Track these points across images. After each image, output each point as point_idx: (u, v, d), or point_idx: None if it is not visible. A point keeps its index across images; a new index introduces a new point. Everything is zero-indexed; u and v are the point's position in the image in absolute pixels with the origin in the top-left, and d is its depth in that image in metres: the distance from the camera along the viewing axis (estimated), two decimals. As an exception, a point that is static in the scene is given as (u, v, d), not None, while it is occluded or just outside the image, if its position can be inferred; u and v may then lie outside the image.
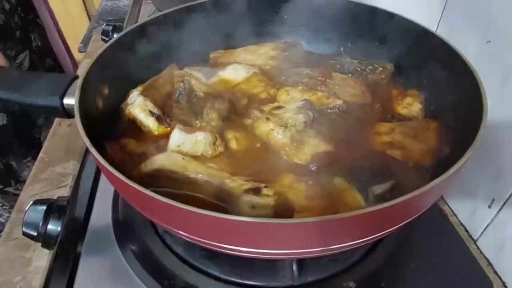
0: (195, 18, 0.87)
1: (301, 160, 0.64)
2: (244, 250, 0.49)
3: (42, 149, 0.99)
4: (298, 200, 0.57)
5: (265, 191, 0.55)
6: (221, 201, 0.58)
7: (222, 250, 0.51)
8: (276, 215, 0.54)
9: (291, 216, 0.55)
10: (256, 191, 0.55)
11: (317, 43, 0.93)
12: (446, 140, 0.64)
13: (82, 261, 0.69)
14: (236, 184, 0.57)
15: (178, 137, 0.65)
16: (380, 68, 0.82)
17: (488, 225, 0.73)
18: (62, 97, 0.65)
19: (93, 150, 0.51)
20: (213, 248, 0.51)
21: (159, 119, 0.71)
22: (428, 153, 0.64)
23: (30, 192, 0.88)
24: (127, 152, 0.65)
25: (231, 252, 0.50)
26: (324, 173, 0.61)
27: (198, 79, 0.80)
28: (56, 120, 1.08)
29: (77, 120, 0.56)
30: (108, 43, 0.72)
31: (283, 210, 0.55)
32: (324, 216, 0.42)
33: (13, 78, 0.71)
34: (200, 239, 0.50)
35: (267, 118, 0.68)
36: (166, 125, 0.70)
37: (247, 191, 0.55)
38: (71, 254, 0.70)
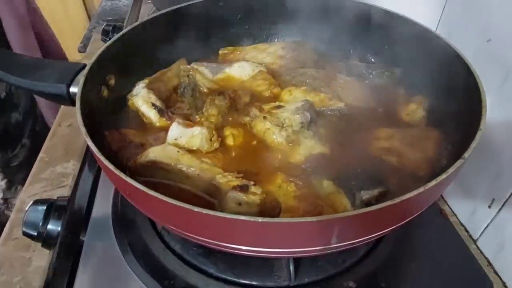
0: (203, 15, 0.87)
1: (295, 160, 0.64)
2: (239, 248, 0.49)
3: (42, 149, 0.99)
4: (286, 200, 0.58)
5: (252, 189, 0.56)
6: (210, 196, 0.59)
7: (218, 247, 0.51)
8: (262, 213, 0.54)
9: (277, 215, 0.55)
10: (244, 189, 0.55)
11: (326, 44, 0.93)
12: (445, 152, 0.64)
13: (82, 261, 0.69)
14: (225, 180, 0.58)
15: (175, 131, 0.66)
16: (387, 73, 0.81)
17: (488, 225, 0.73)
18: (69, 85, 0.65)
19: (87, 138, 0.52)
20: (208, 245, 0.52)
21: (160, 111, 0.72)
22: (425, 163, 0.63)
23: (30, 192, 0.88)
24: (126, 141, 0.66)
25: (228, 250, 0.51)
26: (316, 175, 0.61)
27: (204, 74, 0.81)
28: (56, 120, 1.08)
29: (77, 107, 0.57)
30: (118, 35, 0.73)
31: (269, 208, 0.55)
32: (321, 216, 0.43)
33: (23, 64, 0.71)
34: (192, 235, 0.51)
35: (264, 117, 0.68)
36: (167, 118, 0.71)
37: (235, 187, 0.56)
38: (71, 254, 0.70)
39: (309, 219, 0.43)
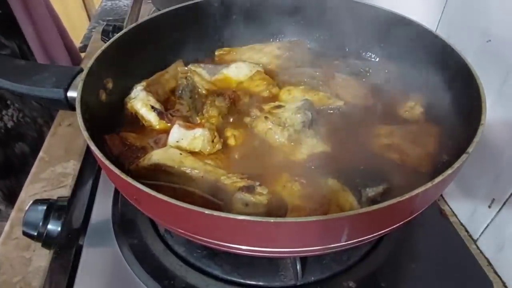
0: (200, 16, 0.87)
1: (298, 159, 0.64)
2: (251, 250, 0.49)
3: (42, 149, 0.99)
4: (291, 199, 0.57)
5: (259, 189, 0.56)
6: (216, 198, 0.58)
7: (229, 250, 0.51)
8: (269, 213, 0.54)
9: (284, 215, 0.55)
10: (250, 189, 0.55)
11: (323, 43, 0.93)
12: (446, 147, 0.64)
13: (82, 261, 0.69)
14: (230, 181, 0.58)
15: (177, 133, 0.66)
16: (385, 70, 0.82)
17: (488, 225, 0.73)
18: (66, 90, 0.65)
19: (91, 143, 0.52)
20: (214, 246, 0.52)
21: (160, 114, 0.72)
22: (426, 159, 0.63)
23: (30, 191, 0.88)
24: (127, 145, 0.66)
25: (238, 251, 0.51)
26: (320, 173, 0.61)
27: (202, 76, 0.81)
28: (56, 120, 1.08)
29: (78, 113, 0.57)
30: (113, 38, 0.73)
31: (276, 208, 0.55)
32: (334, 214, 0.43)
33: (19, 68, 0.70)
34: (200, 237, 0.51)
35: (266, 117, 0.68)
36: (167, 121, 0.71)
37: (241, 188, 0.56)
38: (71, 254, 0.70)
39: (322, 217, 0.43)
